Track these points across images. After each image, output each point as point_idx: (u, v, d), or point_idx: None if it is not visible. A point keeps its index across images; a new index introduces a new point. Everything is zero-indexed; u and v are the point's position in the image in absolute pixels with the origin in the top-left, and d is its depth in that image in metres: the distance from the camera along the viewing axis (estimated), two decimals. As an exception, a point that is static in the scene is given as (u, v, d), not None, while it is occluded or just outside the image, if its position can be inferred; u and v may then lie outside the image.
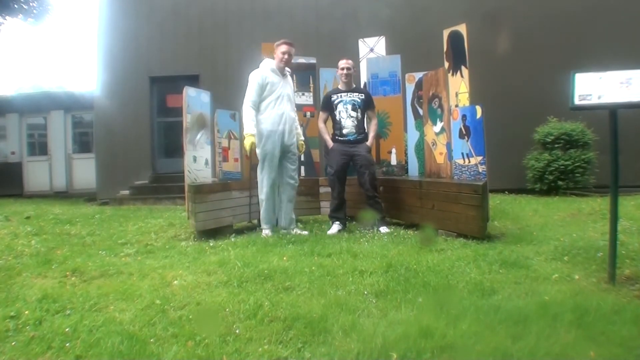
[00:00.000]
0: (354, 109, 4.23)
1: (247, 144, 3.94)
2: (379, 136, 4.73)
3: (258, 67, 4.12)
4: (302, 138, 4.41)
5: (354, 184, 4.42)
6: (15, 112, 12.25)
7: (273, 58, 4.12)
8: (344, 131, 4.24)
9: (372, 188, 4.18)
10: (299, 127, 4.34)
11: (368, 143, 4.26)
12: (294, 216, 4.31)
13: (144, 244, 3.84)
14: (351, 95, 4.26)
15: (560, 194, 6.70)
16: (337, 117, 4.27)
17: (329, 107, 4.34)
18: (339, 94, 4.30)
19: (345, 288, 2.39)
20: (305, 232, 4.11)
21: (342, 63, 4.30)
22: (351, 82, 4.35)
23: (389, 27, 7.57)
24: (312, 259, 3.01)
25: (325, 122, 4.42)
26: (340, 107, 4.25)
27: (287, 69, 4.23)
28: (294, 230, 4.17)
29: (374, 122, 4.35)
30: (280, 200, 4.23)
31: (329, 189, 4.75)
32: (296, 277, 2.56)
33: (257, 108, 4.03)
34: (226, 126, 4.60)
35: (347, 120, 4.22)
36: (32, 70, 46.03)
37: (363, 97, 4.28)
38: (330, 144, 4.31)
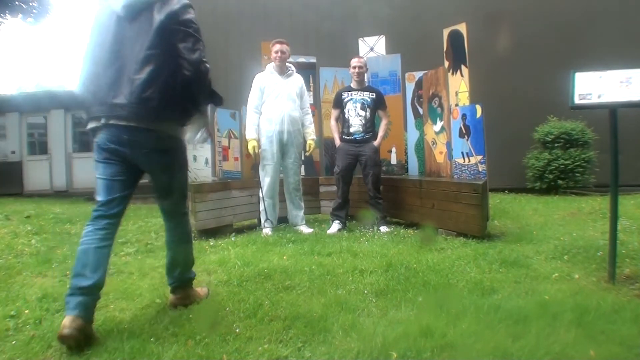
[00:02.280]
0: (362, 108, 4.22)
1: (249, 148, 4.11)
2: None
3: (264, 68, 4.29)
4: (313, 137, 4.36)
5: (356, 182, 4.43)
6: (16, 111, 12.25)
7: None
8: (351, 130, 4.23)
9: (374, 188, 4.18)
10: (309, 126, 4.33)
11: (375, 143, 4.23)
12: (301, 213, 4.34)
13: (144, 243, 3.84)
14: (362, 94, 4.25)
15: (560, 193, 6.70)
16: (346, 115, 4.26)
17: (339, 104, 4.33)
18: (349, 92, 4.29)
19: (345, 287, 2.39)
20: (310, 230, 4.17)
21: (354, 61, 4.28)
22: (363, 81, 4.35)
23: (389, 26, 7.56)
24: (312, 258, 3.01)
25: (337, 119, 4.41)
26: (349, 105, 4.25)
27: (291, 67, 4.25)
28: (301, 227, 4.22)
29: (384, 122, 4.32)
30: (286, 199, 4.36)
31: (329, 188, 4.77)
32: (296, 276, 2.56)
33: (259, 111, 4.16)
34: (226, 125, 4.60)
35: (355, 119, 4.21)
36: (32, 69, 46.03)
37: (374, 96, 4.26)
38: (338, 142, 4.32)
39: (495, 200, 5.95)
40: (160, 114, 1.89)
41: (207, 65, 1.97)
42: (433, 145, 4.40)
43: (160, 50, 1.88)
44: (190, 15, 1.95)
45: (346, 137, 4.27)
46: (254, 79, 4.19)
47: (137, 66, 1.85)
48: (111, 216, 1.91)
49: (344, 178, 4.23)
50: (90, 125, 1.94)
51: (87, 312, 1.73)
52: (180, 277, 2.15)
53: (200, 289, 2.28)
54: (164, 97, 1.88)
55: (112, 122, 1.87)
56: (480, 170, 3.80)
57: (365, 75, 4.48)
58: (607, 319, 1.85)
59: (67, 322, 1.66)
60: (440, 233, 3.80)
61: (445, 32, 4.69)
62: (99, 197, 1.93)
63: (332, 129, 4.43)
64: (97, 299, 1.81)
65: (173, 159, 2.06)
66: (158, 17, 1.88)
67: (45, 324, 1.96)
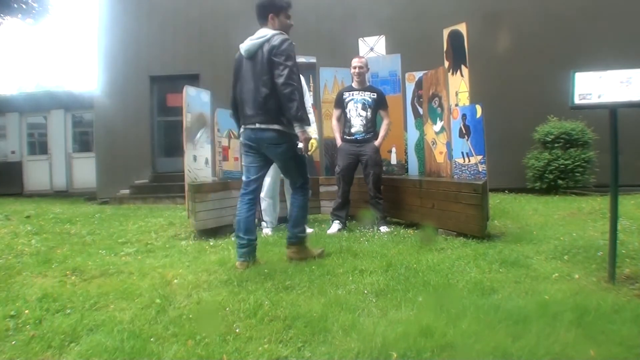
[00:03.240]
0: (363, 108, 4.22)
1: None
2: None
3: None
4: (315, 136, 4.26)
5: (356, 182, 4.43)
6: (16, 111, 12.25)
7: None
8: (352, 130, 4.24)
9: (374, 188, 4.18)
10: (311, 124, 4.29)
11: (376, 143, 4.23)
12: None
13: (144, 243, 3.84)
14: (363, 94, 4.25)
15: (560, 193, 6.70)
16: (347, 116, 4.27)
17: (340, 104, 4.33)
18: (351, 92, 4.30)
19: (345, 287, 2.39)
20: (311, 230, 4.14)
21: (355, 61, 4.28)
22: (364, 81, 4.35)
23: (388, 26, 7.56)
24: (312, 258, 3.01)
25: (338, 119, 4.40)
26: (350, 105, 4.25)
27: None
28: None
29: (385, 123, 4.32)
30: (286, 199, 4.32)
31: (329, 188, 4.77)
32: (296, 276, 2.56)
33: None
34: (226, 125, 4.60)
35: (356, 119, 4.22)
36: (32, 69, 46.06)
37: (375, 96, 4.26)
38: (339, 142, 4.32)
39: (495, 200, 5.95)
40: (275, 118, 2.77)
41: (291, 88, 2.68)
42: (433, 145, 4.41)
43: (270, 75, 2.72)
44: (284, 47, 2.70)
45: (347, 137, 4.27)
46: None
47: (259, 87, 2.76)
48: (250, 192, 2.94)
49: (345, 178, 4.23)
50: (239, 130, 2.98)
51: (248, 256, 2.81)
52: (296, 234, 2.97)
53: (315, 249, 3.05)
54: (277, 107, 2.75)
55: (248, 126, 2.87)
56: (480, 170, 3.80)
57: (367, 75, 4.47)
58: (607, 319, 1.85)
59: (238, 264, 2.80)
60: (440, 233, 3.80)
61: (445, 32, 4.68)
62: (244, 178, 3.02)
63: (334, 129, 4.42)
64: (254, 247, 2.87)
65: (285, 149, 2.89)
66: (266, 52, 2.72)
67: (45, 324, 1.96)
